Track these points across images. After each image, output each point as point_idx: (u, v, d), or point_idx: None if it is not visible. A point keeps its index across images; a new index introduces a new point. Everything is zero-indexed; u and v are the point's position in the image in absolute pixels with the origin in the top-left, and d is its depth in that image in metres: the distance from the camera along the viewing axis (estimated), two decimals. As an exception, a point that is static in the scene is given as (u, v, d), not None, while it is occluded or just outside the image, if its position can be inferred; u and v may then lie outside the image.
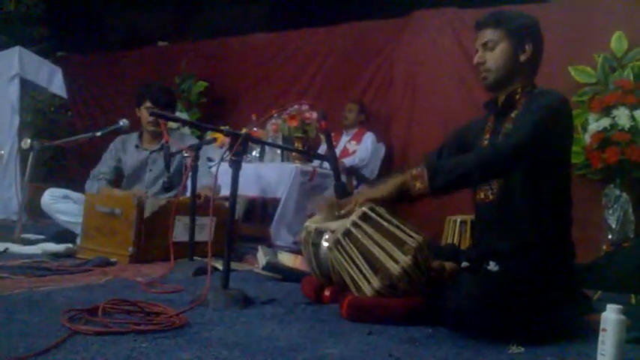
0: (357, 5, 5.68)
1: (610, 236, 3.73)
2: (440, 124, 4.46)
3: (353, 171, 4.54)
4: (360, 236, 1.77)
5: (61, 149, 6.10)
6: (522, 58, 1.87)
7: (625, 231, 3.71)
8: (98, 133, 3.24)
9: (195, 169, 2.68)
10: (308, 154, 3.84)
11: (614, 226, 3.74)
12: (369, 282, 1.76)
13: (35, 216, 4.11)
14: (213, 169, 3.27)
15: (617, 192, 3.76)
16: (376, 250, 1.75)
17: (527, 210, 1.82)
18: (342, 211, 1.89)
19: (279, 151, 4.38)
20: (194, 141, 3.34)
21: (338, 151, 4.67)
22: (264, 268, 2.56)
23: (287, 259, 2.64)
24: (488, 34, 1.89)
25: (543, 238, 1.81)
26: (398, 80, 5.03)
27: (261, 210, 4.72)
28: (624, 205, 3.73)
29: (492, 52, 1.88)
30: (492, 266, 1.85)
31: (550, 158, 1.79)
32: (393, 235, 1.77)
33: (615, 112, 3.73)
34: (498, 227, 1.90)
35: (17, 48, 4.98)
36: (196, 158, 2.67)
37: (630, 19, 3.93)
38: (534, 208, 1.82)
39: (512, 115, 1.88)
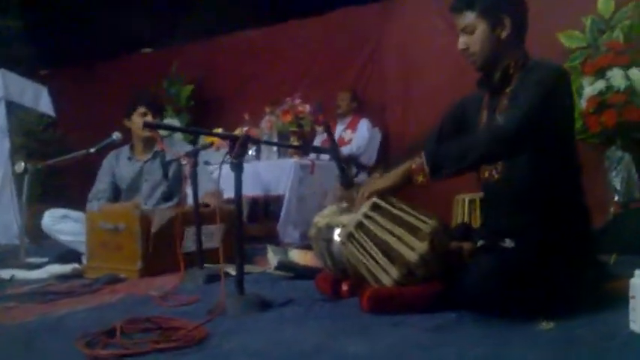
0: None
1: (616, 198, 3.70)
2: (435, 106, 4.34)
3: (351, 159, 4.50)
4: (372, 227, 1.74)
5: (55, 168, 6.03)
6: (503, 34, 1.81)
7: (631, 191, 3.68)
8: (92, 150, 3.18)
9: (194, 176, 2.63)
10: (307, 149, 3.80)
11: (619, 187, 3.71)
12: (387, 273, 1.72)
13: (37, 238, 4.05)
14: (213, 173, 3.22)
15: (620, 153, 3.72)
16: (391, 239, 1.72)
17: (535, 184, 1.78)
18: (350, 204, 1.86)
19: (275, 148, 4.33)
20: (187, 147, 3.28)
21: (334, 141, 4.63)
22: (276, 268, 2.53)
23: (297, 256, 2.61)
24: (465, 18, 1.84)
25: (555, 210, 1.77)
26: (389, 64, 4.97)
27: (264, 208, 4.68)
28: (628, 165, 3.70)
29: (472, 36, 1.83)
30: (508, 243, 1.82)
31: (552, 131, 1.74)
32: (407, 223, 1.73)
33: (609, 74, 3.69)
34: (508, 204, 1.86)
35: (0, 70, 4.90)
36: (195, 164, 2.62)
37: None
38: (542, 181, 1.78)
39: (507, 90, 1.83)
